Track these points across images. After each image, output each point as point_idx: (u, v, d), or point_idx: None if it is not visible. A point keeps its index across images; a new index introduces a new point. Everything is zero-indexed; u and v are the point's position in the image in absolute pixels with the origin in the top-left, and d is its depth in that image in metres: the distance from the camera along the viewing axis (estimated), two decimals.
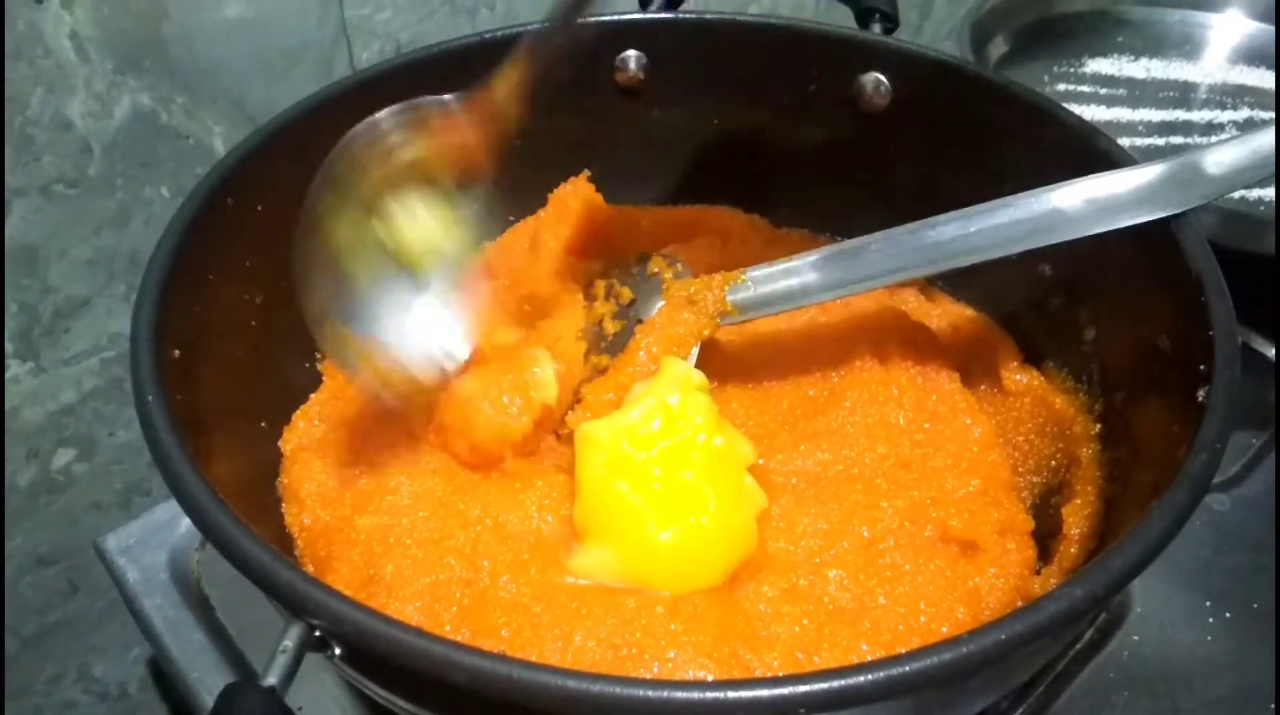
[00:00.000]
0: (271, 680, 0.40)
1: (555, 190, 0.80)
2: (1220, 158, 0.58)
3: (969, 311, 0.74)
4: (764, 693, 0.37)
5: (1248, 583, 0.71)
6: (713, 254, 0.78)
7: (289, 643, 0.40)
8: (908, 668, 0.37)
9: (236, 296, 0.64)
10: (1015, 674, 0.49)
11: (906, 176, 0.77)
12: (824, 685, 0.37)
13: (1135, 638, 0.68)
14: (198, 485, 0.45)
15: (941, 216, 0.62)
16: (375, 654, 0.40)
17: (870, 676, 0.38)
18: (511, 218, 0.83)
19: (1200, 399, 0.48)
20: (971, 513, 0.57)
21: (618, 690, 0.37)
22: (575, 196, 0.78)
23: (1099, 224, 0.58)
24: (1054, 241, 0.60)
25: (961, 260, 0.61)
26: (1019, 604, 0.55)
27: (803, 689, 0.37)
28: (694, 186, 0.84)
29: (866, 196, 0.79)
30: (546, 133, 0.81)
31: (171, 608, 0.71)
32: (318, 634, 0.41)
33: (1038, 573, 0.58)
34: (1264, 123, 0.57)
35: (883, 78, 0.76)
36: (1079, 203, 0.59)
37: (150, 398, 0.49)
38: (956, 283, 0.78)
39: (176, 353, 0.55)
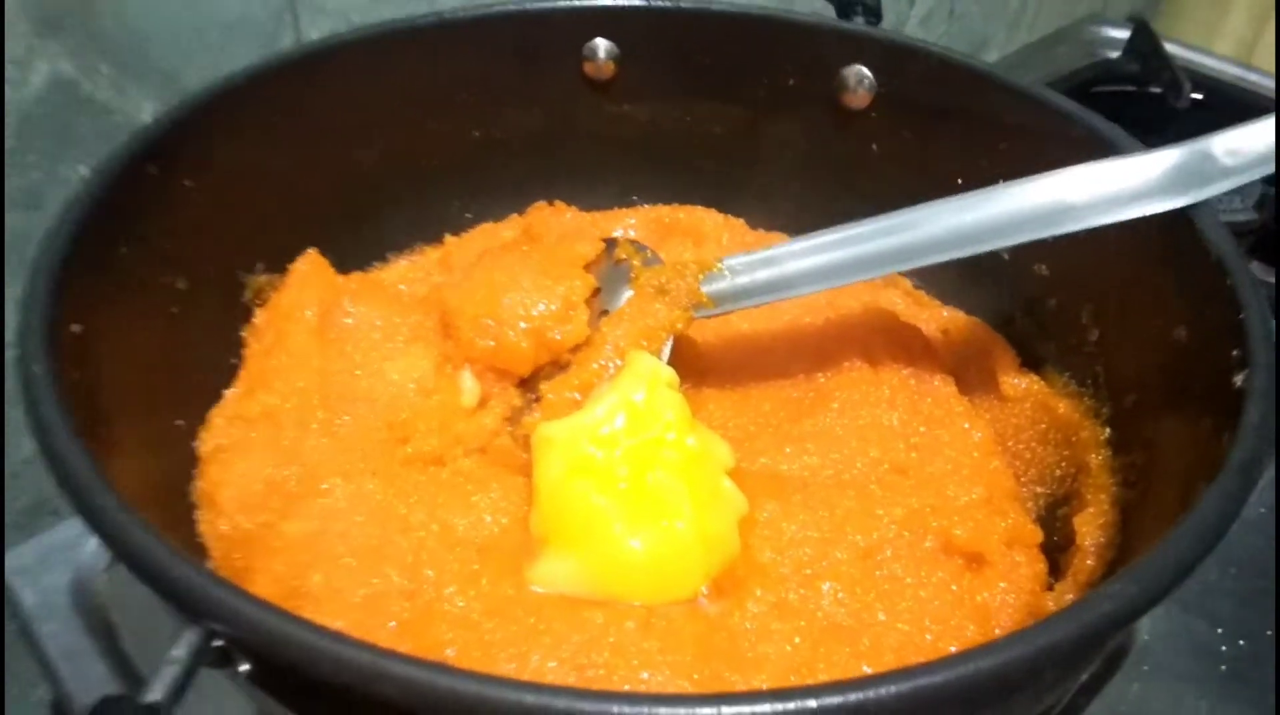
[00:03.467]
0: (155, 696, 0.32)
1: (529, 211, 0.75)
2: (1233, 145, 0.54)
3: (959, 315, 0.69)
4: (760, 708, 0.31)
5: (1260, 609, 0.66)
6: (685, 256, 0.72)
7: (179, 651, 0.33)
8: (939, 678, 0.31)
9: (154, 278, 0.57)
10: (1042, 695, 0.43)
11: (892, 176, 0.73)
12: (836, 699, 0.31)
13: (1145, 668, 0.63)
14: (79, 459, 0.38)
15: (935, 203, 0.57)
16: (287, 665, 0.33)
17: (887, 690, 0.32)
18: (470, 215, 0.77)
19: (1239, 384, 0.43)
20: (976, 522, 0.51)
21: (587, 706, 0.30)
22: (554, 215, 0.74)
23: (1105, 215, 0.54)
24: (1055, 233, 0.55)
25: (955, 251, 0.56)
26: (1031, 622, 0.49)
27: (810, 704, 0.31)
28: (665, 186, 0.79)
29: (849, 198, 0.73)
30: (508, 127, 0.76)
31: (70, 635, 0.62)
32: (218, 643, 0.34)
33: (1050, 589, 0.52)
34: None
35: (866, 71, 0.71)
36: (1083, 191, 0.54)
37: (38, 368, 0.42)
38: (945, 287, 0.73)
39: (76, 328, 0.48)
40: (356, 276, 0.70)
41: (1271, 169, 0.54)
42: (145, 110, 0.71)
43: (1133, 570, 0.35)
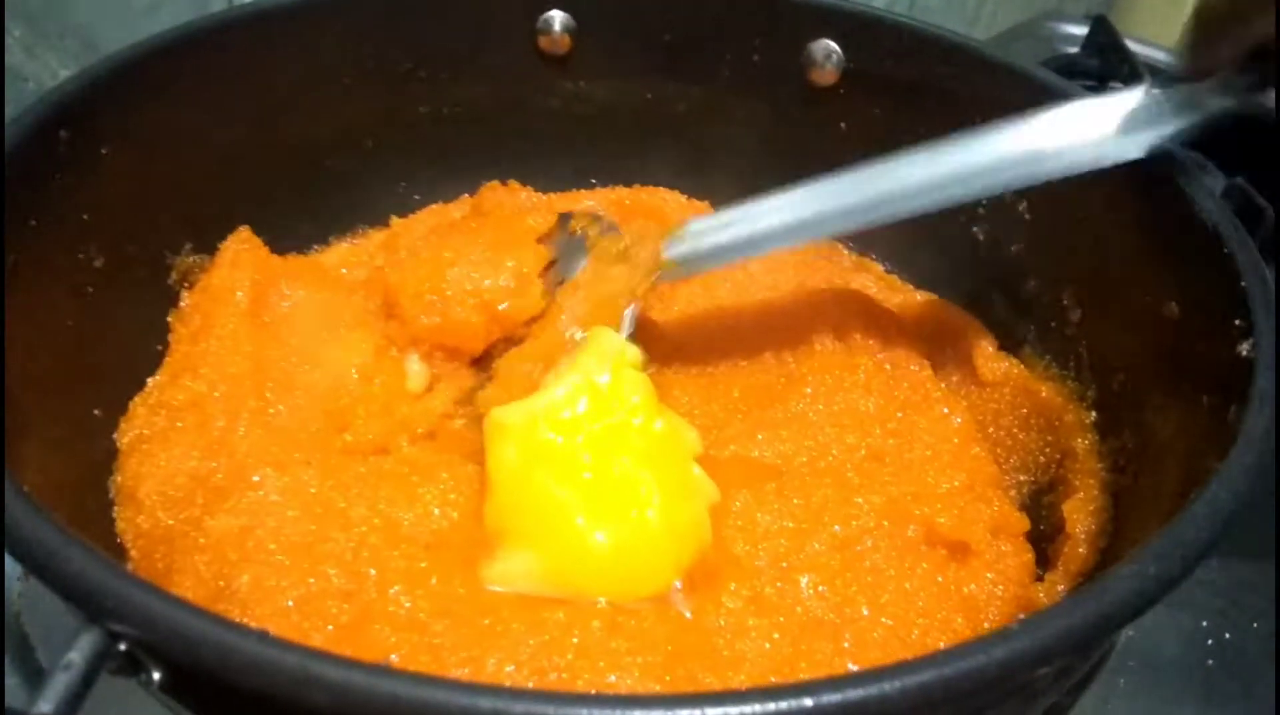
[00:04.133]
0: (45, 707, 0.27)
1: (481, 191, 0.70)
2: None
3: (934, 298, 0.66)
4: (749, 709, 0.27)
5: (1244, 602, 0.64)
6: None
7: (75, 655, 0.28)
8: (948, 670, 0.27)
9: (68, 253, 0.52)
10: (1046, 691, 0.40)
11: (861, 156, 0.70)
12: (836, 697, 0.27)
13: (1130, 664, 0.60)
14: None
15: (905, 152, 0.54)
16: (202, 670, 0.28)
17: (889, 686, 0.28)
18: (417, 196, 0.73)
19: (1245, 353, 0.41)
20: (959, 510, 0.48)
21: (551, 710, 0.26)
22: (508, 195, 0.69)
23: (1080, 155, 0.50)
24: (1036, 178, 0.51)
25: (926, 201, 0.53)
26: (1020, 616, 0.46)
27: (802, 703, 0.27)
28: (625, 167, 0.75)
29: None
30: (458, 104, 0.72)
31: None
32: (123, 646, 0.30)
33: (1039, 579, 0.49)
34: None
35: (834, 45, 0.68)
36: (1064, 128, 0.51)
37: None
38: (918, 270, 0.70)
39: None
40: (293, 258, 0.65)
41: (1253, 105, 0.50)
42: (60, 78, 0.66)
43: (1148, 550, 0.32)
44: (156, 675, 0.31)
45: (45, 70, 0.66)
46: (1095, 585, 0.31)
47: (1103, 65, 1.23)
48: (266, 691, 0.27)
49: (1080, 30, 1.30)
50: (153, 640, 0.29)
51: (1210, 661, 0.60)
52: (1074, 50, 1.30)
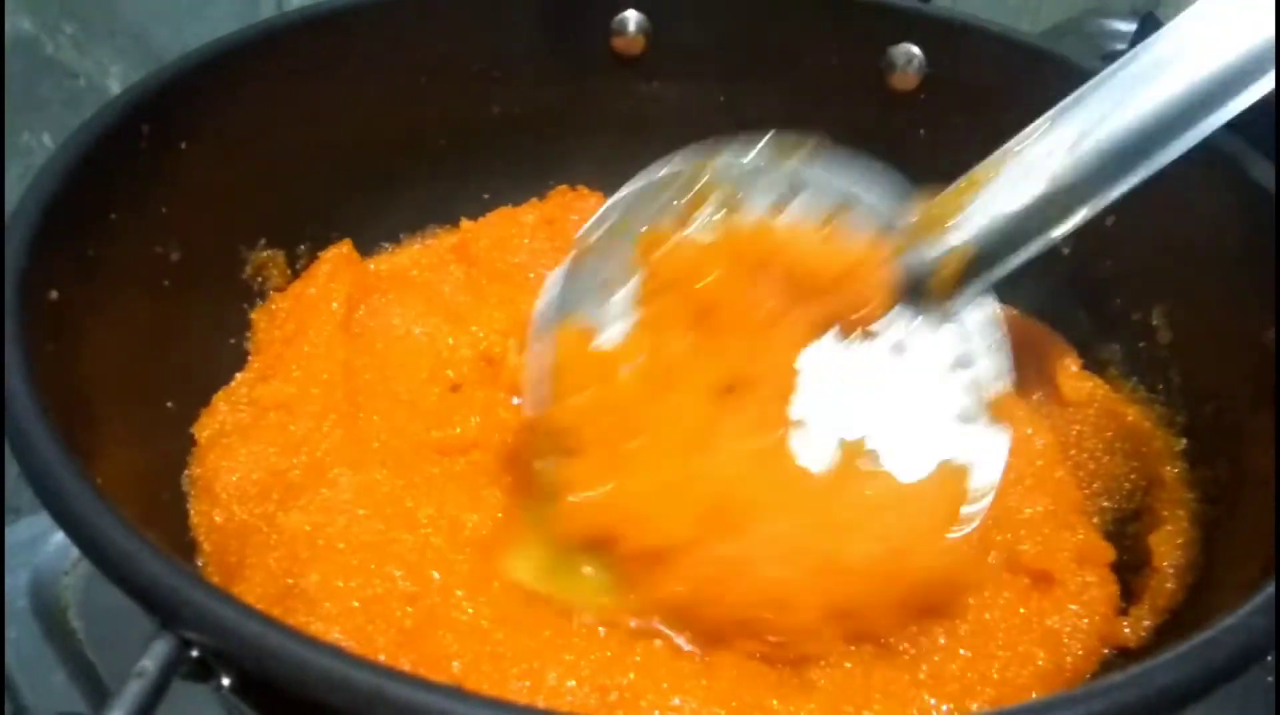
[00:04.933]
0: (117, 713, 0.27)
1: (550, 196, 0.70)
2: None
3: (1013, 312, 0.64)
4: None
5: None
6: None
7: (149, 663, 0.28)
8: None
9: (146, 247, 0.53)
10: None
11: (941, 165, 0.68)
12: None
13: None
14: (43, 435, 0.34)
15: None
16: (277, 681, 0.28)
17: None
18: (487, 196, 0.72)
19: None
20: (1043, 537, 0.46)
21: None
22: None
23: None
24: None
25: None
26: (1104, 651, 0.44)
27: None
28: None
29: None
30: (530, 104, 0.71)
31: (29, 641, 0.57)
32: (195, 653, 0.29)
33: (1123, 613, 0.47)
34: None
35: (916, 50, 0.66)
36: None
37: (4, 332, 0.38)
38: (998, 286, 0.67)
39: (55, 294, 0.43)
40: (384, 269, 0.66)
41: None
42: (111, 74, 0.67)
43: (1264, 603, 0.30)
44: (226, 681, 0.31)
45: (96, 66, 0.67)
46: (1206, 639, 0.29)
47: None
48: (339, 706, 0.27)
49: (1128, 27, 1.26)
50: (227, 649, 0.29)
51: None
52: (1121, 47, 1.26)
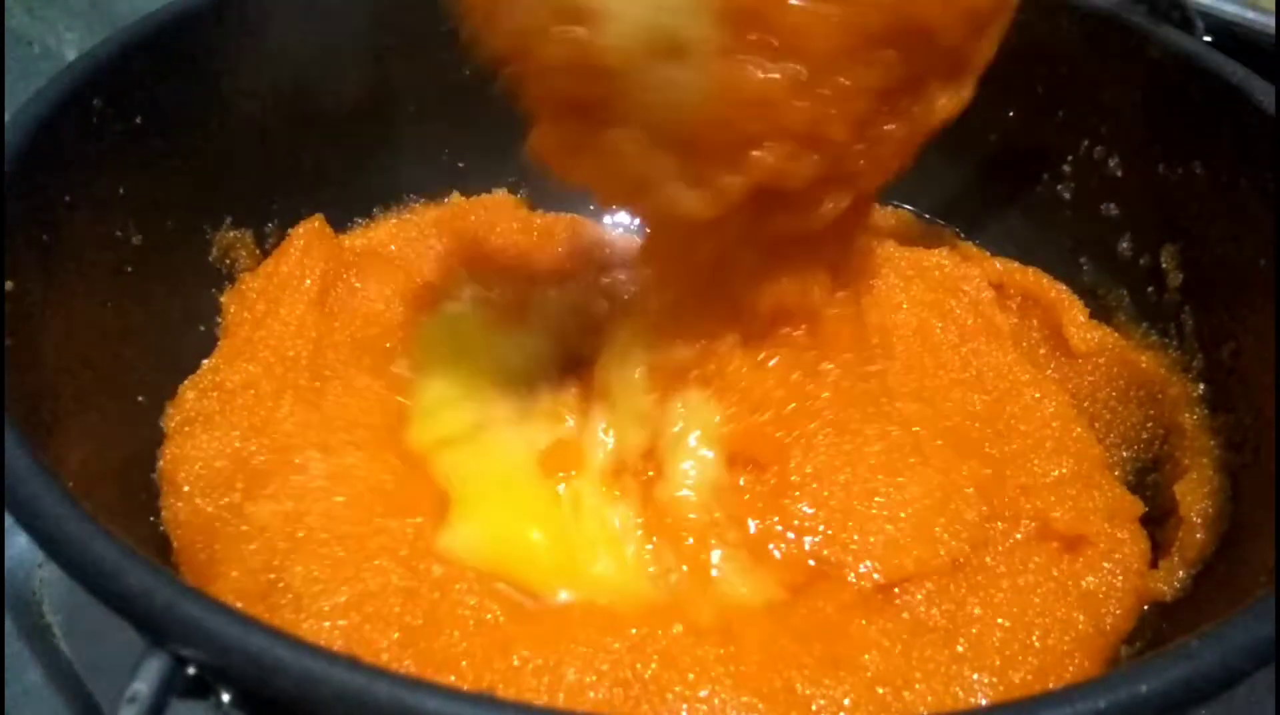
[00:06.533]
0: None
1: None
2: None
3: (1014, 265, 0.62)
4: None
5: None
6: None
7: (142, 686, 0.25)
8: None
9: (105, 231, 0.49)
10: None
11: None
12: None
13: None
14: (9, 439, 0.30)
15: None
16: (282, 697, 0.25)
17: None
18: (461, 164, 0.69)
19: None
20: (1072, 500, 0.45)
21: None
22: None
23: None
24: None
25: None
26: (1144, 607, 0.43)
27: None
28: None
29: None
30: None
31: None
32: (191, 670, 0.27)
33: (1153, 565, 0.45)
34: None
35: None
36: None
37: None
38: (996, 235, 0.65)
39: (10, 284, 0.40)
40: (359, 245, 0.62)
41: None
42: (67, 41, 0.63)
43: None
44: (226, 697, 0.29)
45: (50, 32, 0.62)
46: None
47: (1153, 10, 1.18)
48: None
49: None
50: (227, 666, 0.26)
51: None
52: None
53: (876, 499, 0.44)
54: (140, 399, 0.50)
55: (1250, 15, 1.28)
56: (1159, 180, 0.55)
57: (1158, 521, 0.48)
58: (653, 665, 0.38)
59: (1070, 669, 0.40)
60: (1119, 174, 0.58)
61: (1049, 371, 0.56)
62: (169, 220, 0.53)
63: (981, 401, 0.52)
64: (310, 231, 0.58)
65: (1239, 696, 0.33)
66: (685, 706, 0.36)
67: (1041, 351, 0.57)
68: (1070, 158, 0.60)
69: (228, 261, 0.57)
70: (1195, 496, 0.46)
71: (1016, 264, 0.63)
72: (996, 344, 0.56)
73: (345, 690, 0.24)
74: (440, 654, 0.39)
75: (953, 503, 0.44)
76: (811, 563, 0.43)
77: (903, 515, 0.43)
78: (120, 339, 0.49)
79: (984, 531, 0.44)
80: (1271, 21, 1.21)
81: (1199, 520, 0.45)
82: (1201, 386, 0.51)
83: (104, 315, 0.48)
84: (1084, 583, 0.42)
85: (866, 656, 0.38)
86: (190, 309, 0.55)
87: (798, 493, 0.44)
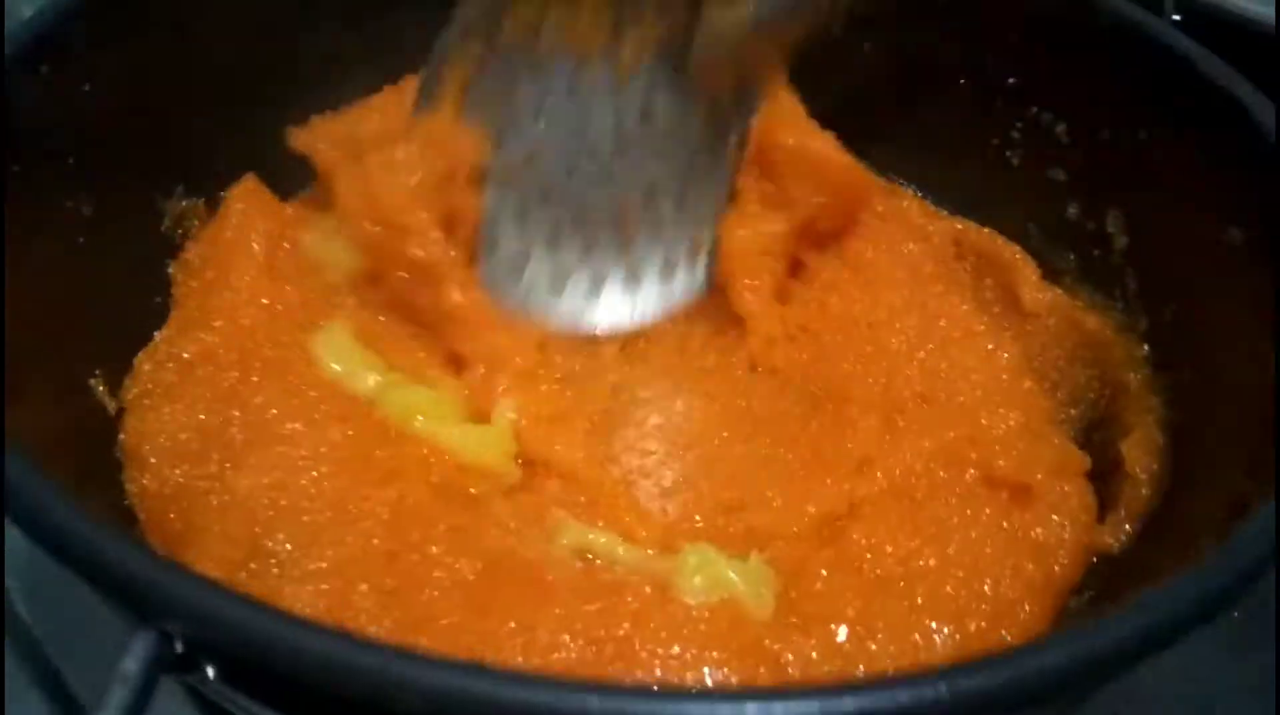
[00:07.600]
0: None
1: None
2: None
3: (971, 226, 0.63)
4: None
5: None
6: None
7: (132, 665, 0.26)
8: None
9: (55, 202, 0.48)
10: None
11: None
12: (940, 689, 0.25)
13: None
14: None
15: None
16: (270, 668, 0.26)
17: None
18: None
19: None
20: (1018, 451, 0.47)
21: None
22: None
23: None
24: None
25: None
26: (1092, 559, 0.45)
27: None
28: None
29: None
30: None
31: None
32: (178, 646, 0.27)
33: (1100, 520, 0.47)
34: None
35: None
36: None
37: None
38: (953, 196, 0.66)
39: None
40: (303, 204, 0.61)
41: None
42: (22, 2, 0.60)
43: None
44: (212, 671, 0.29)
45: None
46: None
47: None
48: (351, 693, 0.25)
49: None
50: (213, 638, 0.26)
51: (1236, 613, 0.58)
52: None
53: None
54: (97, 372, 0.49)
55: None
56: (1105, 146, 0.56)
57: (1104, 477, 0.50)
58: (625, 624, 0.39)
59: (1021, 616, 0.42)
60: (1066, 140, 0.59)
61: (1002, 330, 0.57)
62: (119, 191, 0.52)
63: (928, 350, 0.53)
64: (246, 192, 0.56)
65: None
66: (657, 666, 0.37)
67: (995, 310, 0.58)
68: (1019, 124, 0.61)
69: (181, 231, 0.56)
70: (1140, 453, 0.48)
71: (974, 224, 0.64)
72: (956, 292, 0.57)
73: (334, 660, 0.25)
74: (418, 616, 0.39)
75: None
76: None
77: None
78: (75, 312, 0.48)
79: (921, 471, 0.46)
80: (1243, 4, 1.23)
81: (1144, 476, 0.47)
82: (1146, 347, 0.53)
83: (57, 288, 0.47)
84: (1033, 533, 0.44)
85: (831, 610, 0.40)
86: (146, 281, 0.54)
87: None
